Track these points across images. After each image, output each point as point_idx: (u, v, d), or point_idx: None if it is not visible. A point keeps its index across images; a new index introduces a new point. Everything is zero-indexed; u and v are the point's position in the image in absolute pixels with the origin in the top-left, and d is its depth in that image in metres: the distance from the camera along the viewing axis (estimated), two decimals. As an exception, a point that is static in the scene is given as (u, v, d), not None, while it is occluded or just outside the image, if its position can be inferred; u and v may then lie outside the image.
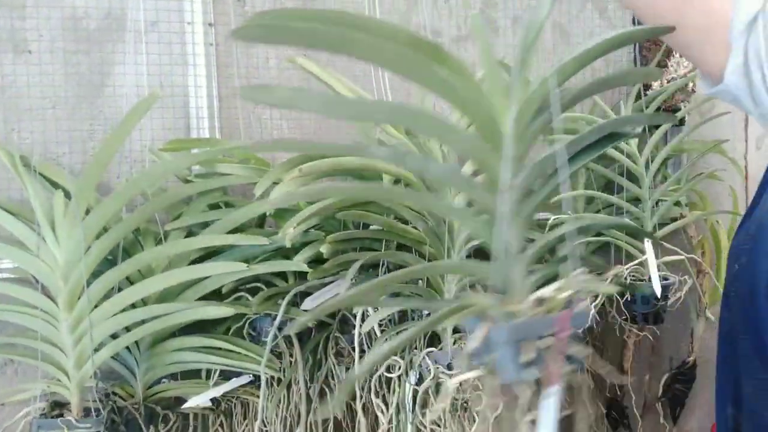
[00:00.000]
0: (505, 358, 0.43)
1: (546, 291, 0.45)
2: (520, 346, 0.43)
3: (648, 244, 1.21)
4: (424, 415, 0.97)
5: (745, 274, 0.51)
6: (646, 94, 1.34)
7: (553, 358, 0.42)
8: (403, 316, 1.02)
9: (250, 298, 0.99)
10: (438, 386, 0.93)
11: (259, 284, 1.01)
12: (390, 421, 1.00)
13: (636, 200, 1.26)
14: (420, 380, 0.95)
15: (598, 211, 1.29)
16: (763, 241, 0.49)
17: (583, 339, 0.44)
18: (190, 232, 0.99)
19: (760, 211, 0.53)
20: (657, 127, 1.27)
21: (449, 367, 0.92)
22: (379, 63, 0.42)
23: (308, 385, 1.06)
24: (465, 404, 0.89)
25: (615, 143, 0.54)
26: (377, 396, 1.01)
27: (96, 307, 0.88)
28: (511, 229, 0.48)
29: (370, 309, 0.96)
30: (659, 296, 1.17)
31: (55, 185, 0.95)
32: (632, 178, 1.24)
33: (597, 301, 1.15)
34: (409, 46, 0.41)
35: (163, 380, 1.00)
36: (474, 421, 0.85)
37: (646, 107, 1.28)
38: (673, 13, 0.58)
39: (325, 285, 1.01)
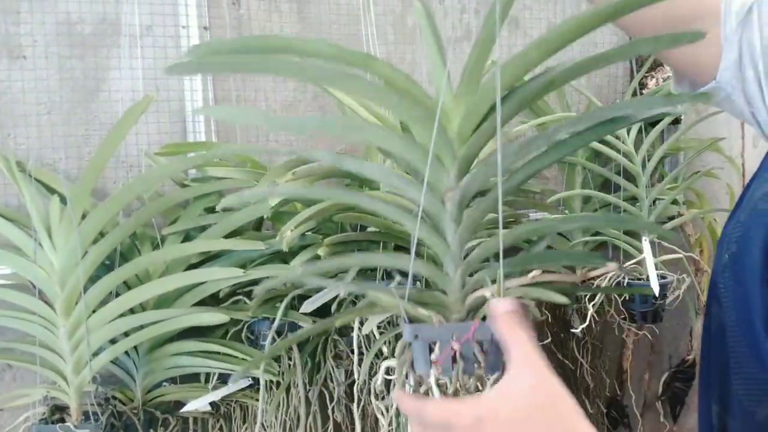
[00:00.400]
0: (417, 353, 0.50)
1: (474, 295, 0.50)
2: (431, 346, 0.49)
3: (646, 243, 1.21)
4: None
5: (736, 264, 0.49)
6: (642, 93, 1.34)
7: (448, 358, 0.48)
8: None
9: (247, 301, 0.99)
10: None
11: (257, 287, 1.00)
12: (390, 424, 0.99)
13: (633, 199, 1.26)
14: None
15: (595, 210, 1.29)
16: (756, 228, 0.47)
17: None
18: (187, 236, 0.99)
19: (749, 200, 0.51)
20: (654, 125, 1.27)
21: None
22: (303, 79, 0.48)
23: (307, 388, 1.06)
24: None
25: (612, 130, 0.52)
26: (377, 398, 1.01)
27: (94, 312, 0.88)
28: (450, 232, 0.50)
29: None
30: (658, 295, 1.17)
31: (51, 191, 0.95)
32: (629, 177, 1.24)
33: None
34: (334, 60, 0.44)
35: (163, 384, 1.00)
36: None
37: (643, 106, 1.28)
38: (660, 8, 0.57)
39: (322, 288, 1.01)
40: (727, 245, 0.51)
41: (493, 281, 0.50)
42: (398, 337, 0.99)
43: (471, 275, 0.52)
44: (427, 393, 0.49)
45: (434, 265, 0.53)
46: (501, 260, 0.47)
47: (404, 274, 1.03)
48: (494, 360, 0.48)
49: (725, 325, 0.51)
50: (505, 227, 0.47)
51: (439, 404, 0.45)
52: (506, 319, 0.44)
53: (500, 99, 0.44)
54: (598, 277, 1.22)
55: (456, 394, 0.48)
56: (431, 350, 0.49)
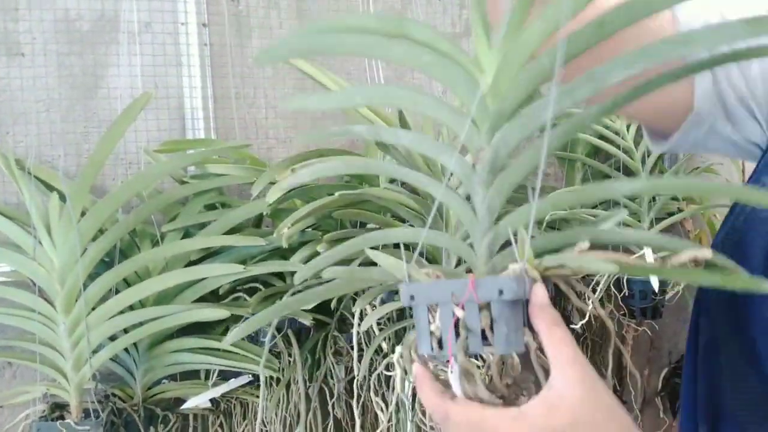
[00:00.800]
0: (419, 324, 0.42)
1: (504, 273, 0.42)
2: (429, 312, 0.41)
3: (645, 239, 1.21)
4: (424, 413, 0.97)
5: None
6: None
7: (448, 328, 0.40)
8: (401, 314, 1.02)
9: (248, 298, 0.99)
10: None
11: (256, 284, 1.00)
12: (390, 420, 1.00)
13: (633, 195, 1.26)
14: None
15: (595, 207, 1.29)
16: (756, 236, 0.44)
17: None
18: (186, 233, 0.99)
19: (743, 206, 0.47)
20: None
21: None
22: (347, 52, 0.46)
23: (307, 384, 1.06)
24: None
25: (681, 76, 0.38)
26: (377, 394, 1.01)
27: (93, 309, 0.88)
28: (479, 198, 0.43)
29: (368, 308, 0.96)
30: (657, 291, 1.17)
31: (50, 188, 0.95)
32: (629, 173, 1.24)
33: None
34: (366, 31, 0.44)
35: (163, 381, 1.00)
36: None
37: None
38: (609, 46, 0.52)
39: (322, 284, 1.01)
40: (720, 253, 0.47)
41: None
42: (398, 333, 0.99)
43: (500, 251, 0.44)
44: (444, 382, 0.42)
45: (458, 238, 0.47)
46: (532, 218, 0.39)
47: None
48: (510, 334, 0.39)
49: (718, 340, 0.47)
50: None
51: (466, 409, 0.39)
52: (544, 315, 0.39)
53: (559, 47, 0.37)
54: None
55: (467, 379, 0.40)
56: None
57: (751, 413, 0.45)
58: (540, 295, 0.39)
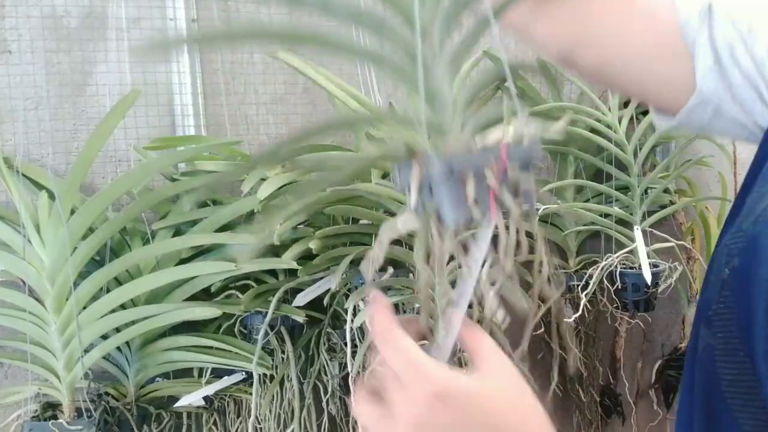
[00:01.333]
0: (446, 196, 0.38)
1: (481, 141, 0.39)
2: (461, 183, 0.37)
3: (638, 232, 1.21)
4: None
5: (740, 279, 0.41)
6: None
7: (487, 193, 0.37)
8: (394, 310, 1.01)
9: (240, 295, 0.98)
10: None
11: (249, 282, 1.00)
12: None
13: (625, 188, 1.26)
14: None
15: (587, 200, 1.29)
16: (766, 239, 0.40)
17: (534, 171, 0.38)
18: (177, 231, 0.98)
19: (751, 208, 0.43)
20: (645, 114, 1.27)
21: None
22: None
23: (301, 381, 1.06)
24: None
25: None
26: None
27: (84, 308, 0.88)
28: (435, 68, 0.39)
29: (361, 304, 0.96)
30: (650, 283, 1.17)
31: (39, 186, 0.94)
32: (621, 166, 1.24)
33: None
34: None
35: (156, 379, 1.00)
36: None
37: (634, 95, 1.28)
38: (615, 39, 0.49)
39: (315, 281, 1.01)
40: (726, 258, 0.43)
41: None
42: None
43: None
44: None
45: (428, 107, 0.41)
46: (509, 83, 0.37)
47: (397, 267, 1.02)
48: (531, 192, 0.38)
49: (715, 349, 0.44)
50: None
51: (409, 351, 0.37)
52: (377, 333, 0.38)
53: None
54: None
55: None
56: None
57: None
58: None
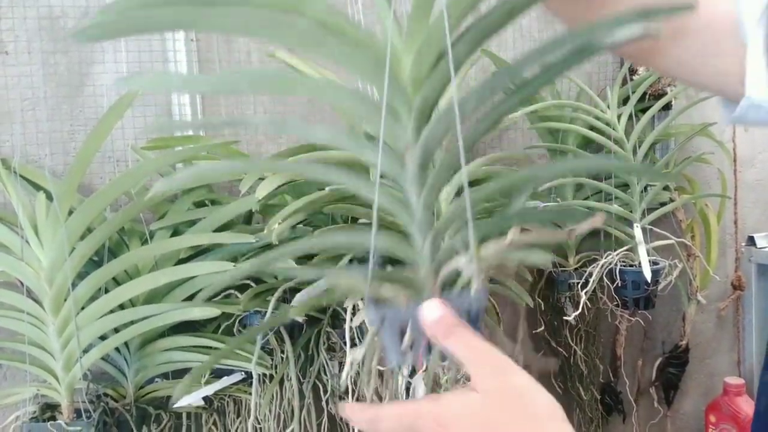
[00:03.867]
0: (387, 340, 0.42)
1: (448, 268, 0.42)
2: (401, 330, 0.41)
3: (637, 229, 1.21)
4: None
5: None
6: (632, 79, 1.33)
7: (418, 346, 0.41)
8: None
9: (239, 295, 0.98)
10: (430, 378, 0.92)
11: (247, 281, 1.00)
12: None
13: (625, 186, 1.26)
14: (413, 372, 0.95)
15: (587, 198, 1.29)
16: None
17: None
18: (176, 231, 0.98)
19: None
20: (644, 111, 1.27)
21: (443, 358, 0.92)
22: (229, 30, 0.41)
23: (301, 381, 1.06)
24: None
25: (583, 59, 0.39)
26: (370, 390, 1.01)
27: (83, 309, 0.87)
28: (415, 195, 0.42)
29: (360, 303, 0.96)
30: (650, 281, 1.17)
31: (37, 187, 0.94)
32: (620, 163, 1.24)
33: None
34: (265, 8, 0.37)
35: (155, 380, 0.99)
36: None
37: (633, 92, 1.28)
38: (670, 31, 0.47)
39: (314, 280, 1.00)
40: None
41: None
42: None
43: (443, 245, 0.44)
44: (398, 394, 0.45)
45: (399, 237, 0.45)
46: (470, 219, 0.39)
47: (393, 262, 1.02)
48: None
49: None
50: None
51: (395, 408, 0.38)
52: (439, 327, 0.39)
53: (450, 34, 0.37)
54: (592, 261, 1.22)
55: (435, 389, 0.43)
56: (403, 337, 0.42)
57: None
58: (424, 317, 0.40)
